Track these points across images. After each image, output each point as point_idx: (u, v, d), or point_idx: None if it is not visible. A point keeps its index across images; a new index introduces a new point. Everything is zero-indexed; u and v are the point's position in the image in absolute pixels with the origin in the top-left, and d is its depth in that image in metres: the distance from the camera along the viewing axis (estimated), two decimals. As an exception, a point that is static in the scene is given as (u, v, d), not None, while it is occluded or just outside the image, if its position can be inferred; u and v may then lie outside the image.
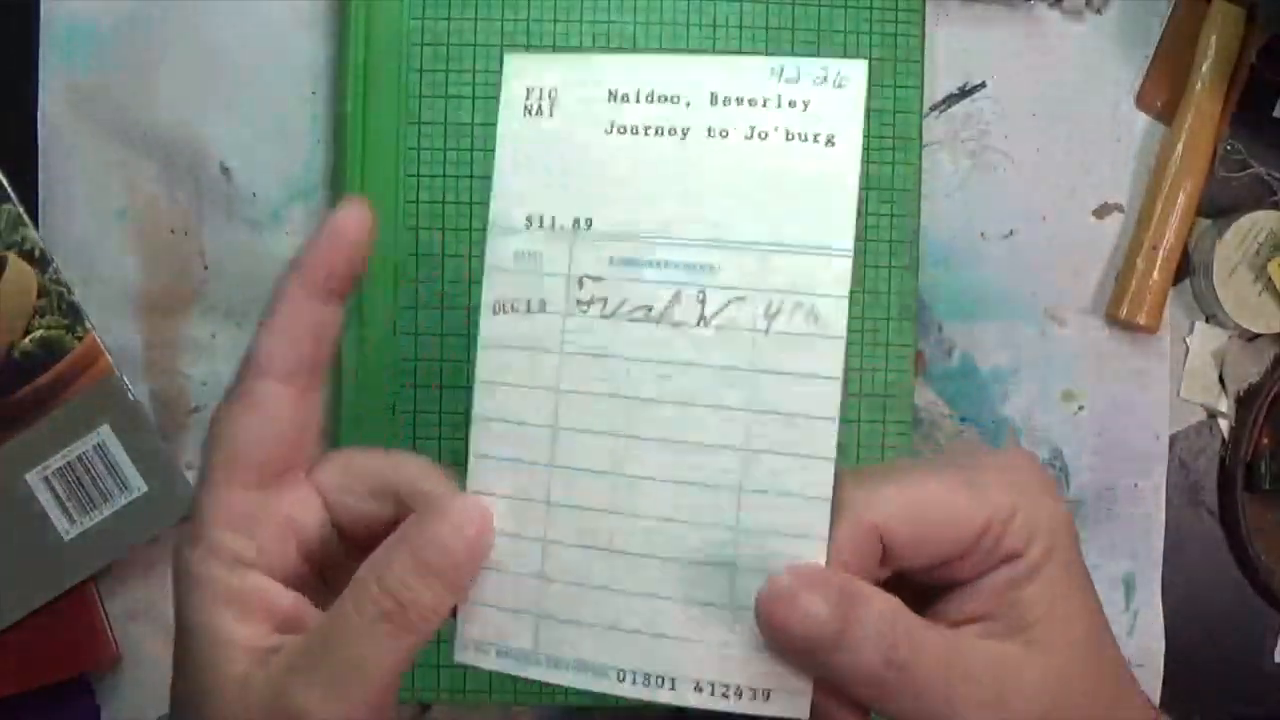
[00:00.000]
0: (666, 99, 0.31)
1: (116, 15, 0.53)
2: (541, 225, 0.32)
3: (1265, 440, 0.56)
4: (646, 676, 0.31)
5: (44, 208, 0.53)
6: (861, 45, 0.52)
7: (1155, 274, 0.55)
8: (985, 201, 0.56)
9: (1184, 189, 0.55)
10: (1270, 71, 0.54)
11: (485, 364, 0.32)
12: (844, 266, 0.30)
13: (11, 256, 0.51)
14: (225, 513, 0.30)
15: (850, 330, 0.50)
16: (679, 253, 0.31)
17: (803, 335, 0.31)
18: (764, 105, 0.31)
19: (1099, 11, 0.56)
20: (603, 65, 0.32)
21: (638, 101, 0.32)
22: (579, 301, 0.32)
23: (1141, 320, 0.55)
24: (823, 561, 0.30)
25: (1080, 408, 0.56)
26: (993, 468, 0.31)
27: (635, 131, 0.32)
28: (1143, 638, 0.56)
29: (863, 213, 0.52)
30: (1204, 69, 0.55)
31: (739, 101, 0.31)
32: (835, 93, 0.31)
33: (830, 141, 0.31)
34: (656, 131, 0.31)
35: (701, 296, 0.31)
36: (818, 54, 0.52)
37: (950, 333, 0.55)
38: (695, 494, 0.31)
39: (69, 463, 0.50)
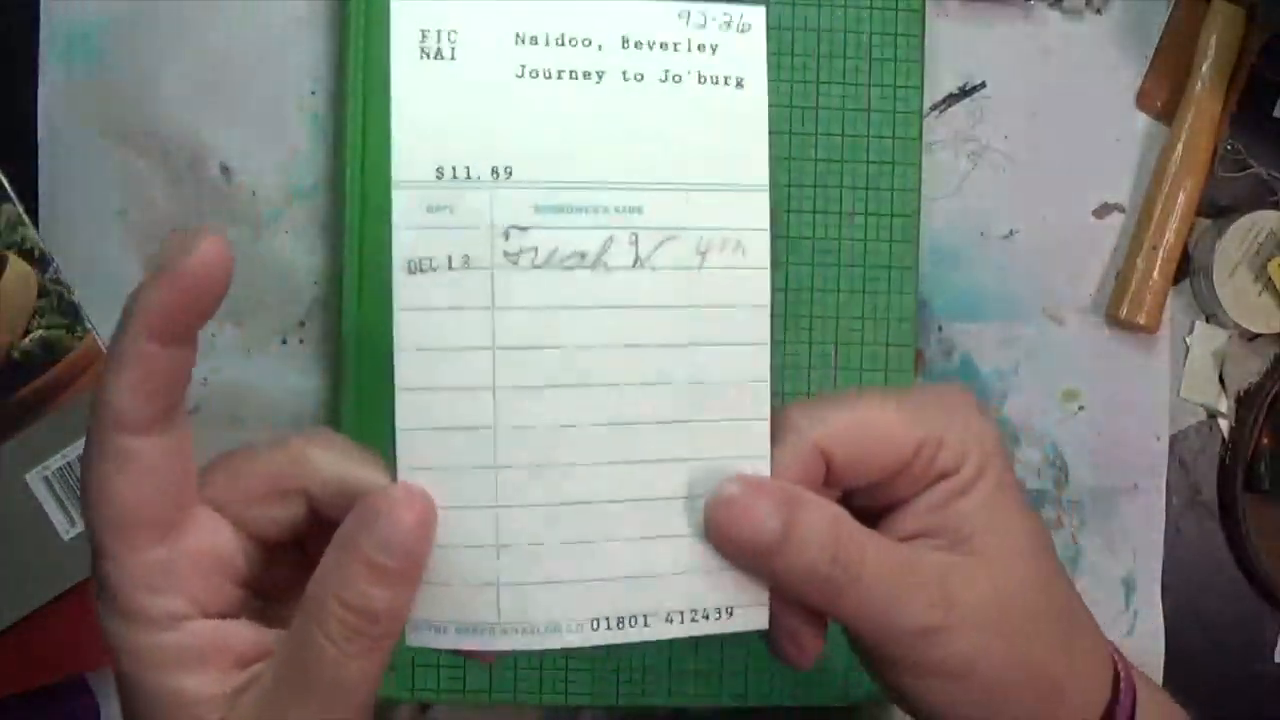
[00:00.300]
0: (578, 42, 0.31)
1: (116, 15, 0.53)
2: (455, 176, 0.30)
3: (1265, 440, 0.56)
4: (620, 619, 0.31)
5: (44, 208, 0.53)
6: (861, 45, 0.52)
7: (1155, 274, 0.55)
8: (985, 201, 0.56)
9: (1184, 189, 0.55)
10: (1270, 71, 0.54)
11: (406, 330, 0.30)
12: (762, 201, 0.32)
13: (11, 256, 0.51)
14: (136, 578, 0.28)
15: (851, 330, 0.50)
16: (606, 196, 0.31)
17: (732, 269, 0.32)
18: (675, 49, 0.31)
19: (1099, 11, 0.56)
20: (507, 6, 0.31)
21: (548, 44, 0.31)
22: (507, 253, 0.30)
23: (1141, 320, 0.55)
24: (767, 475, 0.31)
25: (1080, 408, 0.56)
26: (927, 393, 0.33)
27: (548, 75, 0.31)
28: (1143, 638, 0.56)
29: (863, 211, 0.52)
30: (1204, 69, 0.55)
31: (651, 45, 0.31)
32: (740, 37, 0.32)
33: (739, 84, 0.32)
34: (571, 75, 0.31)
35: (634, 238, 0.31)
36: (818, 50, 0.52)
37: (950, 333, 0.55)
38: (644, 433, 0.31)
39: (69, 463, 0.50)
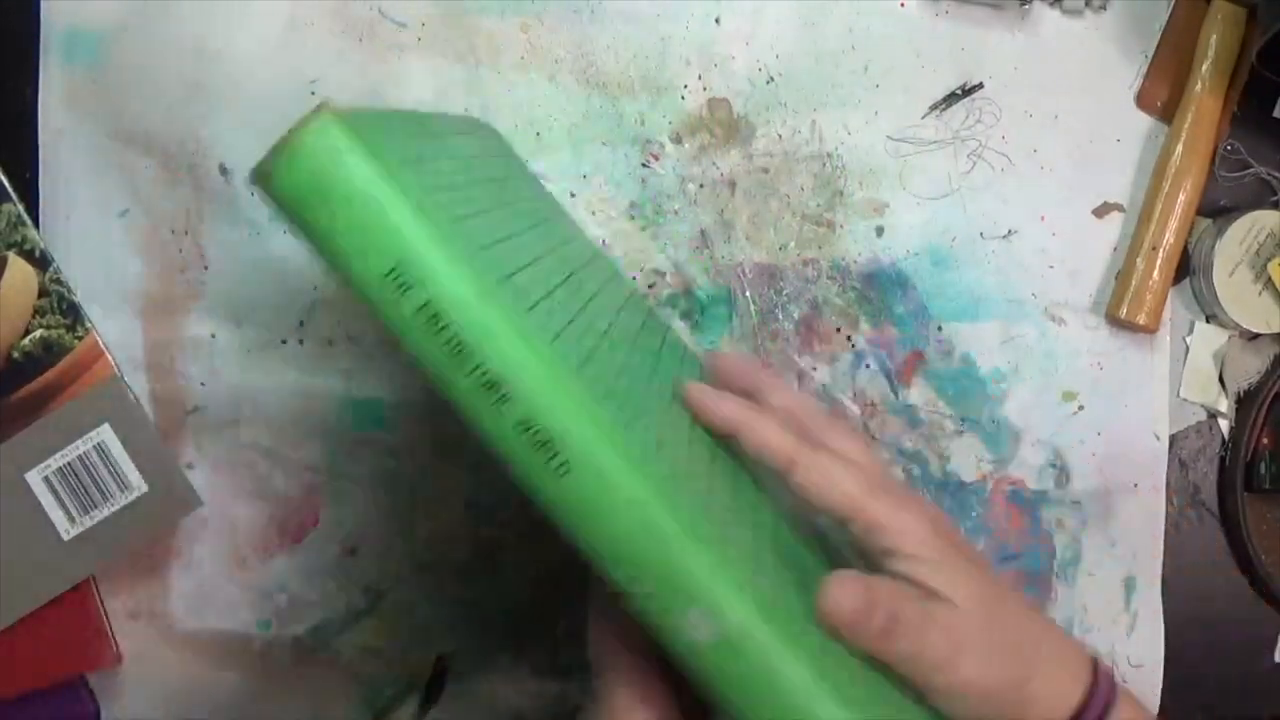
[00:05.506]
0: None
1: (116, 15, 0.53)
2: None
3: (1265, 440, 0.56)
4: None
5: (44, 208, 0.53)
6: None
7: (1155, 274, 0.55)
8: (985, 201, 0.56)
9: (1184, 189, 0.55)
10: (1270, 71, 0.54)
11: None
12: None
13: (12, 256, 0.51)
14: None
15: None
16: None
17: None
18: None
19: (1099, 11, 0.56)
20: None
21: None
22: None
23: (1141, 320, 0.55)
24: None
25: (1080, 408, 0.56)
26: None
27: None
28: (1143, 638, 0.56)
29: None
30: (1204, 69, 0.55)
31: None
32: None
33: None
34: None
35: None
36: None
37: (950, 333, 0.55)
38: None
39: (69, 463, 0.50)
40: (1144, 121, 0.57)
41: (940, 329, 0.55)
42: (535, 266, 0.35)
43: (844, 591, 0.36)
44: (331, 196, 0.29)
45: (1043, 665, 0.38)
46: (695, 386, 0.41)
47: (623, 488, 0.31)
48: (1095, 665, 0.39)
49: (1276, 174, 0.57)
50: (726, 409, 0.40)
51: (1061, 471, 0.56)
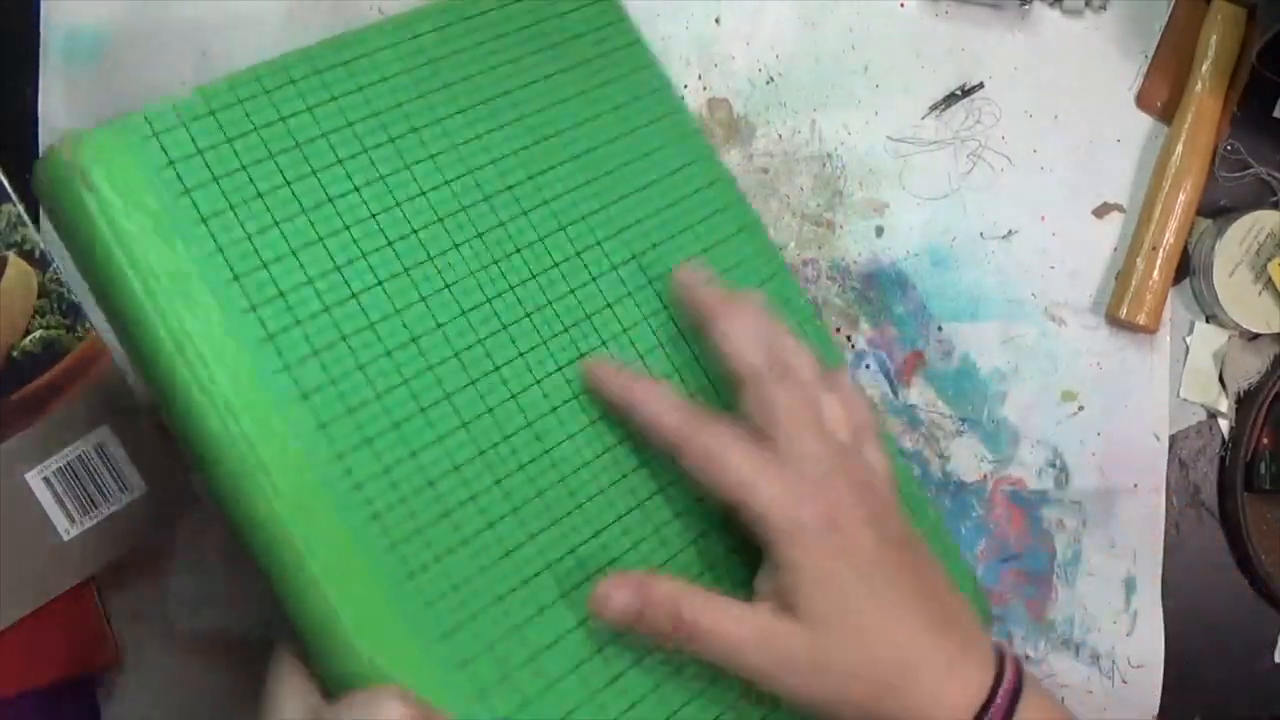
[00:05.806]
0: None
1: (116, 15, 0.53)
2: None
3: (1265, 440, 0.56)
4: None
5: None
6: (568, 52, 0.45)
7: (1155, 274, 0.55)
8: (985, 201, 0.56)
9: (1184, 189, 0.55)
10: (1270, 71, 0.54)
11: None
12: None
13: (12, 256, 0.51)
14: None
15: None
16: None
17: None
18: None
19: (1099, 11, 0.56)
20: None
21: None
22: None
23: (1141, 320, 0.55)
24: None
25: (1080, 408, 0.56)
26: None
27: None
28: (1143, 638, 0.56)
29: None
30: (1204, 69, 0.55)
31: None
32: None
33: None
34: None
35: None
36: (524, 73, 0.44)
37: (950, 333, 0.55)
38: None
39: (69, 463, 0.50)
40: (1144, 121, 0.57)
41: (940, 329, 0.55)
42: (317, 246, 0.38)
43: (612, 593, 0.36)
44: (69, 211, 0.36)
45: (916, 684, 0.36)
46: (591, 364, 0.39)
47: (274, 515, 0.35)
48: (999, 675, 0.37)
49: (1276, 174, 0.57)
50: (612, 386, 0.38)
51: (1061, 471, 0.56)
